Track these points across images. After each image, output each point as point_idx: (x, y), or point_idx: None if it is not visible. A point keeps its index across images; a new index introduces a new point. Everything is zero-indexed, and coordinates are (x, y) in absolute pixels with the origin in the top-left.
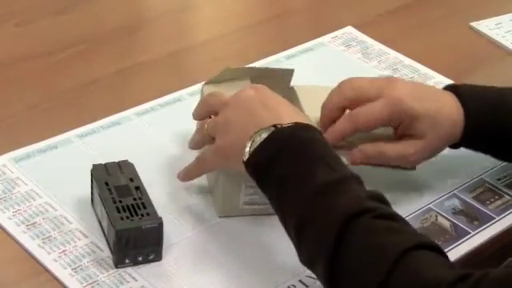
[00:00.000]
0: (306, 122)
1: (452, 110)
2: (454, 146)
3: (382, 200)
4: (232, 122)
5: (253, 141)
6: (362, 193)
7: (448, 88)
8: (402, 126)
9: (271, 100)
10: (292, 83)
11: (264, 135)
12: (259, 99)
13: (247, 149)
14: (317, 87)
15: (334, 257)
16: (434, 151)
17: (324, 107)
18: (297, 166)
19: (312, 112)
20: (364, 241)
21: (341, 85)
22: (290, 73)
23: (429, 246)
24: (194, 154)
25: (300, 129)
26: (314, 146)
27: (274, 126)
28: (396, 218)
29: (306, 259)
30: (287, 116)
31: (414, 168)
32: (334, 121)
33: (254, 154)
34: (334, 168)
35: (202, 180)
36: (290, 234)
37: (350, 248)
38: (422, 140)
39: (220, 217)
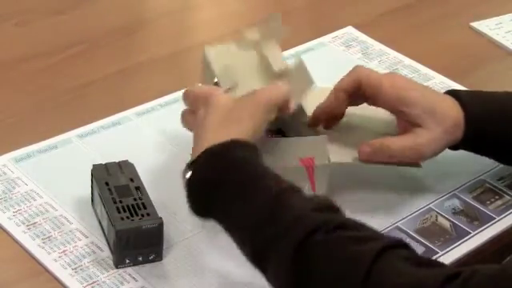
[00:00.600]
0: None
1: (453, 111)
2: (454, 147)
3: (329, 207)
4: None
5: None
6: (307, 205)
7: (448, 93)
8: (401, 113)
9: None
10: None
11: (187, 175)
12: (202, 120)
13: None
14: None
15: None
16: (442, 146)
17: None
18: (229, 198)
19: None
20: (325, 261)
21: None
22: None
23: (397, 245)
24: None
25: (211, 156)
26: (241, 167)
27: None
28: (349, 225)
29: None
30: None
31: (419, 165)
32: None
33: (188, 195)
34: (267, 185)
35: None
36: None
37: (312, 272)
38: (429, 130)
39: None
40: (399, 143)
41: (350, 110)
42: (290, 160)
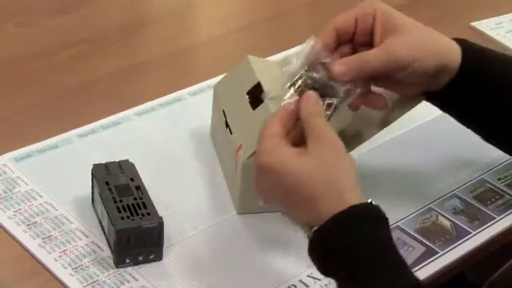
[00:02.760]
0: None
1: (448, 40)
2: (439, 96)
3: None
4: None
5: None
6: None
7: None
8: (377, 22)
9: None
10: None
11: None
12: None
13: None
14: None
15: None
16: (422, 52)
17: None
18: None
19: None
20: None
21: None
22: None
23: None
24: (195, 154)
25: (340, 230)
26: (364, 250)
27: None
28: None
29: None
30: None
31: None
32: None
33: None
34: (386, 277)
35: (203, 180)
36: None
37: None
38: (408, 34)
39: (239, 214)
40: (373, 51)
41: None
42: None
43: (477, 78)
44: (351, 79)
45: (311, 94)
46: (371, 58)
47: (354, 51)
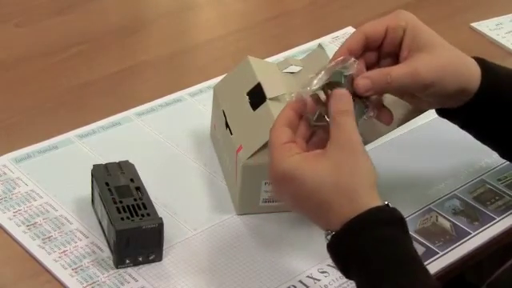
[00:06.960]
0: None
1: (469, 59)
2: (458, 113)
3: None
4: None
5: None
6: None
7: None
8: (407, 36)
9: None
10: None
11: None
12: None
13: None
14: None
15: None
16: (445, 74)
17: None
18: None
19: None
20: None
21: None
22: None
23: None
24: (195, 154)
25: (353, 233)
26: (378, 255)
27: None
28: None
29: None
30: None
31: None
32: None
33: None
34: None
35: (203, 180)
36: None
37: None
38: (429, 54)
39: (239, 214)
40: (397, 69)
41: None
42: None
43: (495, 101)
44: (373, 94)
45: (344, 92)
46: (395, 77)
47: (379, 59)
